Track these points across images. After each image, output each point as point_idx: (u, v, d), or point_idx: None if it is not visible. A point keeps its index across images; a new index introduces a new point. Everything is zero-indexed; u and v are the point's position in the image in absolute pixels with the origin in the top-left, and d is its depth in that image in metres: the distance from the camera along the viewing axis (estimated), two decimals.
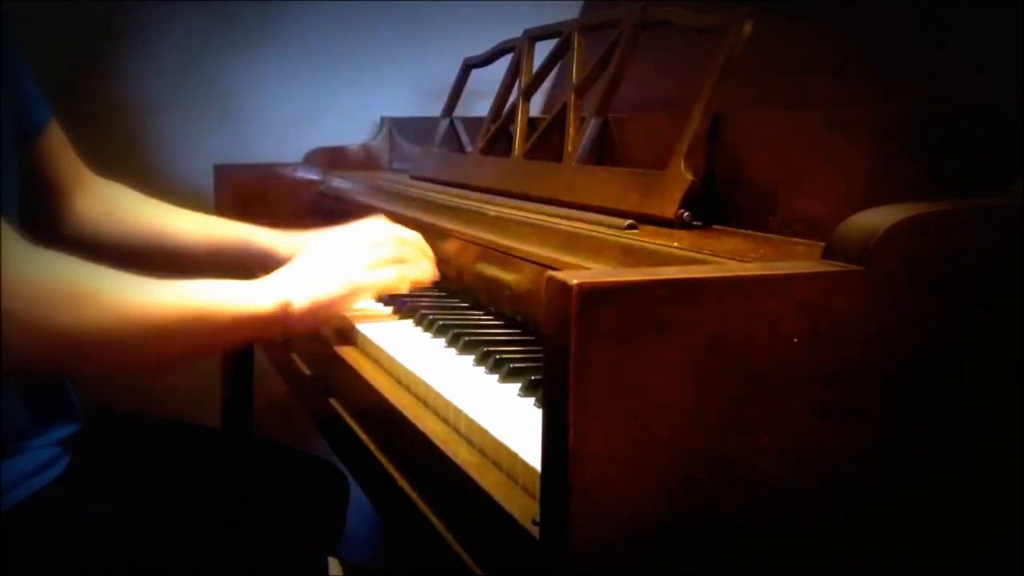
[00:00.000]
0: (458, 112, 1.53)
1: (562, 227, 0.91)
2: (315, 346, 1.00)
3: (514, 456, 0.60)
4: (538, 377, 0.72)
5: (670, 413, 0.47)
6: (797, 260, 0.58)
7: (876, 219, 0.51)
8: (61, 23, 1.63)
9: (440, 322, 0.93)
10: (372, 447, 0.79)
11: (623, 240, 0.81)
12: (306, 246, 0.96)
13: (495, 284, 0.98)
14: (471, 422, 0.67)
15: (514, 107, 1.26)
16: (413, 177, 1.49)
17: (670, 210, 0.88)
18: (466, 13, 1.82)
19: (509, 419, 0.66)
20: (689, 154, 0.88)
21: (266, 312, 0.84)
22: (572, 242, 0.87)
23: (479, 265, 1.02)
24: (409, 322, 0.98)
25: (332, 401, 0.91)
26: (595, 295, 0.45)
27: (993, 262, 0.53)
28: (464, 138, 1.54)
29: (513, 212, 1.02)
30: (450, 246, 1.08)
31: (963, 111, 0.73)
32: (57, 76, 1.26)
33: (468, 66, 1.51)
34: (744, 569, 0.50)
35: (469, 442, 0.67)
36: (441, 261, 1.05)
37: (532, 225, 0.95)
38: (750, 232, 0.87)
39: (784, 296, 0.49)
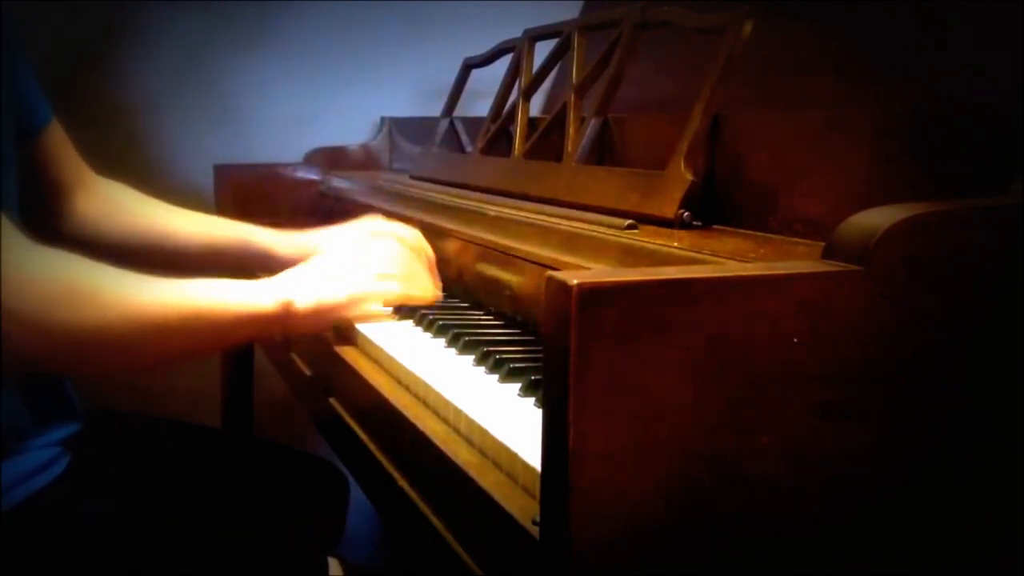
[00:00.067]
0: (458, 112, 1.53)
1: (562, 227, 0.91)
2: (315, 346, 1.00)
3: (514, 456, 0.60)
4: (538, 377, 0.72)
5: (670, 413, 0.47)
6: (797, 260, 0.58)
7: (876, 219, 0.51)
8: (61, 23, 1.63)
9: (440, 322, 0.93)
10: (372, 447, 0.79)
11: (623, 240, 0.81)
12: (318, 249, 0.97)
13: (495, 284, 0.98)
14: (471, 422, 0.67)
15: (514, 107, 1.26)
16: (413, 177, 1.49)
17: (670, 210, 0.88)
18: (466, 13, 1.82)
19: (509, 419, 0.66)
20: (689, 154, 0.88)
21: (267, 311, 0.84)
22: (572, 242, 0.87)
23: (479, 265, 1.02)
24: (409, 322, 0.98)
25: (332, 401, 0.91)
26: (595, 295, 0.45)
27: (993, 262, 0.53)
28: (464, 138, 1.54)
29: (513, 212, 1.02)
30: (450, 246, 1.08)
31: (963, 111, 0.73)
32: (57, 76, 1.25)
33: (468, 66, 1.51)
34: (744, 569, 0.50)
35: (469, 442, 0.67)
36: (441, 261, 1.05)
37: (532, 225, 0.95)
38: (750, 232, 0.87)
39: (784, 296, 0.49)
